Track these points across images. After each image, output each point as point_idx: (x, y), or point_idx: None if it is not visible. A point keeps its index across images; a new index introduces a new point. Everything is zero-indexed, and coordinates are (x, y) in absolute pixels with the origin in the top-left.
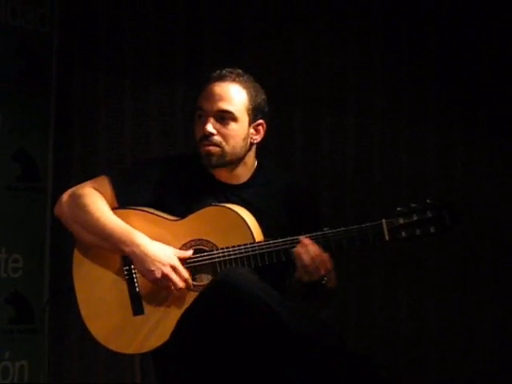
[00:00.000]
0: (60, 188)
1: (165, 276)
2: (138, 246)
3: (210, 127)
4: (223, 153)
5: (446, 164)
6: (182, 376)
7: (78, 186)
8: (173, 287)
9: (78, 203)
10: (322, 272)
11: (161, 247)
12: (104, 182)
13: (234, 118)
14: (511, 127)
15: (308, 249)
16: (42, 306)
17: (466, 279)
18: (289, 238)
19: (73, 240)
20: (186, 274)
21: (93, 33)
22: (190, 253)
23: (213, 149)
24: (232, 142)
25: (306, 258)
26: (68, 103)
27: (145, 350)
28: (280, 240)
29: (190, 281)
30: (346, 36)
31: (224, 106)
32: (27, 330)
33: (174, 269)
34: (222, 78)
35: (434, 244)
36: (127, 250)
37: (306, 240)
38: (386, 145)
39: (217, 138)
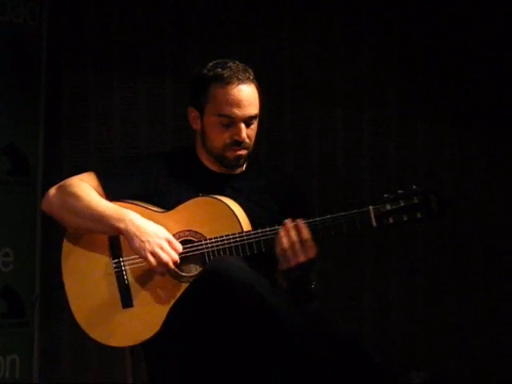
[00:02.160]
0: (50, 182)
1: (160, 248)
2: (130, 221)
3: (245, 134)
4: (248, 153)
5: (435, 156)
6: (174, 368)
7: (65, 180)
8: (168, 262)
9: (66, 192)
10: (302, 258)
11: (154, 224)
12: (91, 176)
13: (257, 118)
14: (501, 120)
15: (289, 233)
16: (32, 300)
17: (457, 270)
18: (277, 227)
19: (64, 232)
20: (180, 247)
21: (82, 26)
22: (180, 246)
23: (243, 152)
24: (254, 140)
25: (285, 241)
26: (57, 97)
27: (133, 342)
28: (268, 229)
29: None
30: (335, 29)
31: (254, 111)
32: (18, 324)
33: (169, 242)
34: (242, 81)
35: (425, 233)
36: (120, 225)
37: (289, 224)
38: (376, 137)
39: (247, 142)
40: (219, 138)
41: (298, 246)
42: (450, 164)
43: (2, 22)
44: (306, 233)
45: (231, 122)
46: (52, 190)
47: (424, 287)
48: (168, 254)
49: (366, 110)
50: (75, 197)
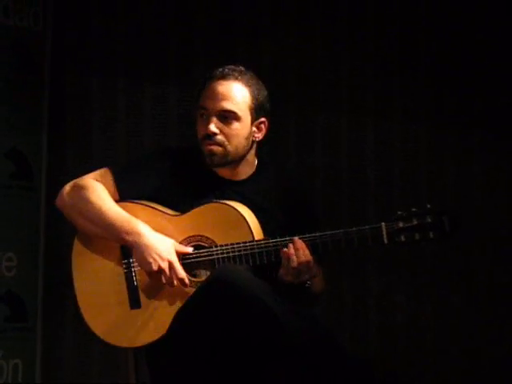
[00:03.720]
0: (53, 186)
1: (160, 270)
2: (139, 235)
3: (212, 127)
4: (226, 152)
5: (439, 163)
6: (176, 374)
7: (80, 178)
8: (165, 283)
9: (80, 194)
10: (306, 277)
11: (162, 239)
12: (106, 174)
13: (237, 118)
14: (505, 127)
15: (298, 252)
16: (36, 304)
17: (462, 279)
18: (287, 238)
19: (67, 237)
20: (182, 272)
21: (86, 31)
22: (190, 249)
23: (215, 148)
24: (235, 141)
25: (293, 259)
26: (61, 101)
27: (139, 344)
28: (279, 239)
29: (187, 280)
30: (339, 33)
31: (227, 105)
32: (21, 328)
33: (170, 265)
34: (224, 77)
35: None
36: (128, 238)
37: (299, 243)
38: (380, 145)
39: (220, 138)
40: (198, 132)
41: (305, 265)
42: (454, 172)
43: (6, 26)
44: (309, 255)
45: (207, 116)
46: (67, 188)
47: (429, 296)
48: (167, 278)
49: (371, 118)
50: (88, 201)
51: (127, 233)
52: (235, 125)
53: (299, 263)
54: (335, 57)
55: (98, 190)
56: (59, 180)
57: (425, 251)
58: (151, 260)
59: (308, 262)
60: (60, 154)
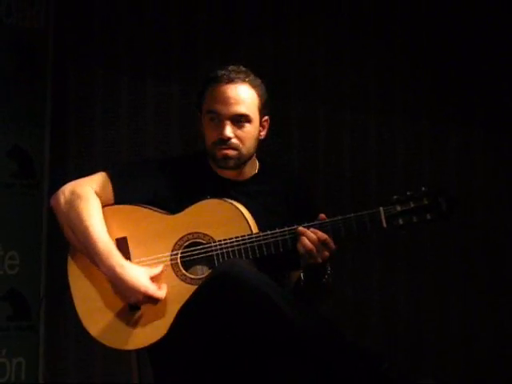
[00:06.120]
0: (56, 184)
1: (138, 303)
2: (113, 268)
3: (228, 132)
4: (240, 155)
5: (440, 155)
6: (181, 372)
7: (79, 182)
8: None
9: (73, 204)
10: (327, 253)
11: (134, 272)
12: (104, 178)
13: (249, 120)
14: (503, 119)
15: (307, 235)
16: (38, 302)
17: (463, 269)
18: (286, 228)
19: None
20: (159, 294)
21: (88, 29)
22: (159, 269)
23: (230, 152)
24: (248, 143)
25: (307, 243)
26: (64, 100)
27: (141, 345)
28: (278, 230)
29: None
30: (341, 30)
31: (241, 109)
32: (24, 327)
33: (146, 296)
34: (232, 80)
35: (430, 233)
36: (102, 268)
37: (301, 229)
38: (382, 138)
39: (234, 142)
40: (209, 137)
41: (318, 243)
42: (455, 165)
43: (8, 25)
44: (322, 234)
45: (218, 120)
46: (66, 192)
47: (430, 290)
48: (148, 305)
49: (372, 111)
50: (78, 214)
51: (102, 261)
52: (248, 127)
53: (313, 242)
54: (337, 53)
55: (93, 204)
56: (62, 178)
57: (425, 242)
58: (128, 294)
59: (321, 239)
60: (62, 152)
